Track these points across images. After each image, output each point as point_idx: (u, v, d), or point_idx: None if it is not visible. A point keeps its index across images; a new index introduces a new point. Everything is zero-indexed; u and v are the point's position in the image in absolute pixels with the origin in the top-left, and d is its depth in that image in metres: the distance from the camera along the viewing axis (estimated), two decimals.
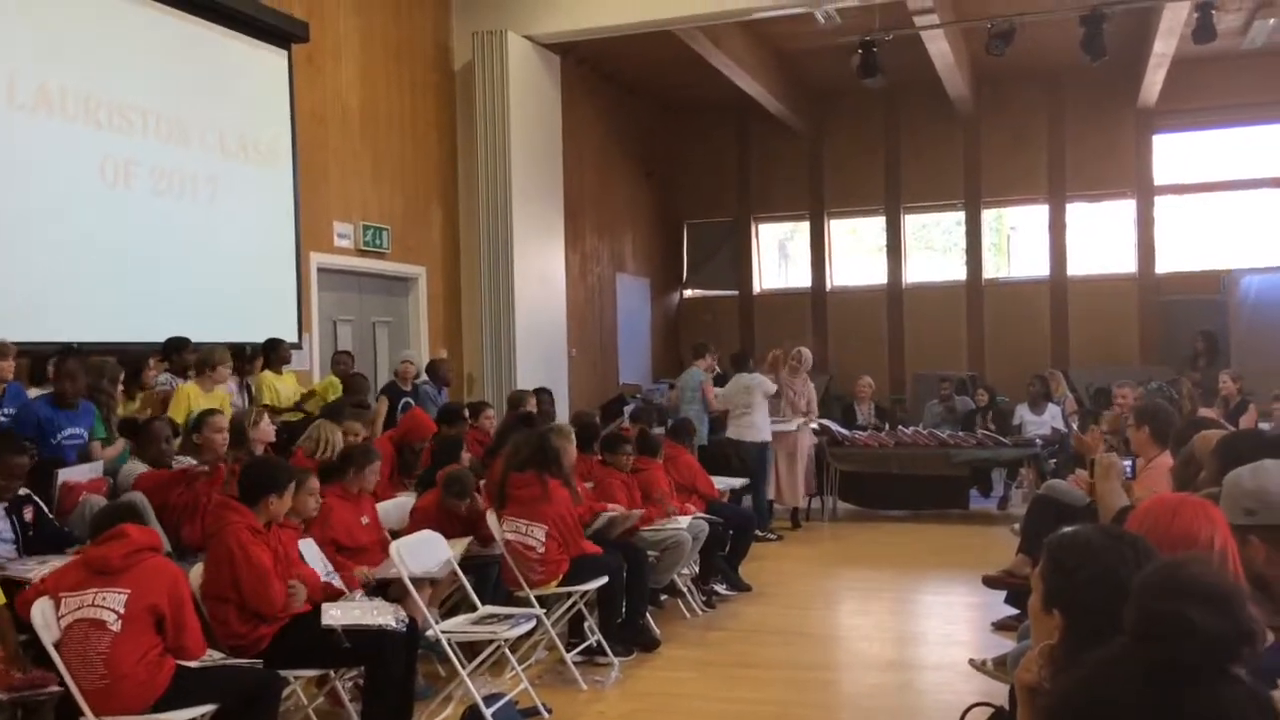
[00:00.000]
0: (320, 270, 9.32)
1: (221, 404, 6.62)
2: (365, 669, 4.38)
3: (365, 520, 5.40)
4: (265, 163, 8.64)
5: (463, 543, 5.53)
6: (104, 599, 3.70)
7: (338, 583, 4.81)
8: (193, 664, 3.86)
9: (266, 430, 6.05)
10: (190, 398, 6.54)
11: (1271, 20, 11.21)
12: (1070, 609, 1.86)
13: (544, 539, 5.56)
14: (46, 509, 4.91)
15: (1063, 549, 1.92)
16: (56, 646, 3.69)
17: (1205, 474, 3.28)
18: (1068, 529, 1.98)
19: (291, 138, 8.84)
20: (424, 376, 9.45)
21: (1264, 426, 7.30)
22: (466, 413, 8.12)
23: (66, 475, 5.18)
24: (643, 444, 7.21)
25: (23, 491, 4.79)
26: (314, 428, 6.16)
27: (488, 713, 4.61)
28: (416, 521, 5.71)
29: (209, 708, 3.75)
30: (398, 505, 6.07)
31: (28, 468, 4.83)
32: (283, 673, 4.26)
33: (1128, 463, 5.36)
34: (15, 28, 6.77)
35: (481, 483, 6.29)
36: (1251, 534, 2.45)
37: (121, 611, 3.69)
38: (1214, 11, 10.37)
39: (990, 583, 6.16)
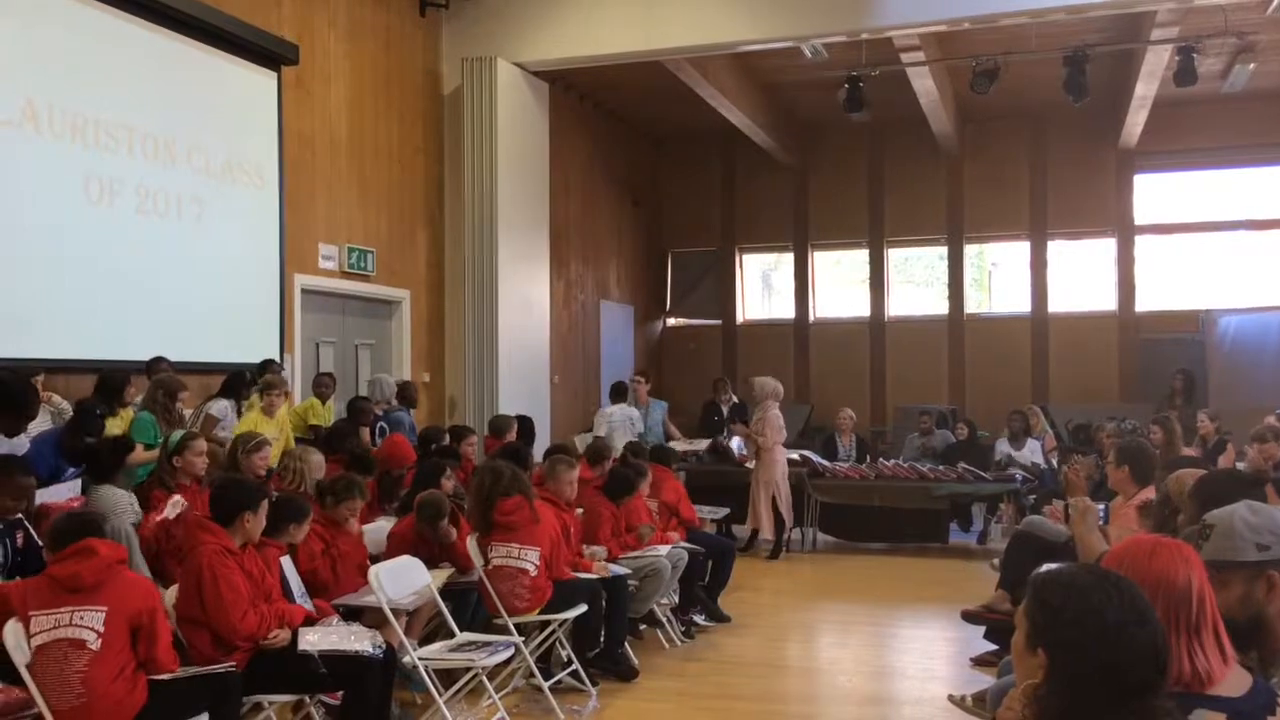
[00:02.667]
0: (304, 291, 9.30)
1: (280, 425, 7.20)
2: (342, 695, 4.33)
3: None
4: (252, 184, 8.62)
5: (444, 573, 5.50)
6: (82, 618, 3.66)
7: (309, 605, 4.77)
8: (165, 676, 3.82)
9: (258, 462, 5.93)
10: (256, 423, 6.96)
11: (1251, 65, 11.39)
12: (1054, 648, 1.86)
13: (538, 561, 5.52)
14: (36, 535, 4.84)
15: (1048, 587, 1.92)
16: (28, 668, 3.64)
17: (1184, 516, 3.29)
18: (1053, 567, 1.98)
19: (279, 159, 8.84)
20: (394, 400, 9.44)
21: (1239, 466, 7.35)
22: (446, 438, 8.10)
23: (45, 496, 5.08)
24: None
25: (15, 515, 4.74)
26: (285, 456, 6.12)
27: None
28: (393, 547, 5.67)
29: (197, 718, 3.73)
30: (377, 529, 6.03)
31: (34, 488, 4.79)
32: (257, 697, 4.23)
33: (1101, 506, 5.38)
34: (3, 43, 6.75)
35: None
36: (1272, 569, 2.44)
37: (101, 630, 3.66)
38: (1195, 55, 10.54)
39: (969, 618, 6.16)
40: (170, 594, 4.31)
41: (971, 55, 11.11)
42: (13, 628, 3.66)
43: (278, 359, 8.55)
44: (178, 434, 5.76)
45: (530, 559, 5.52)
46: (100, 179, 7.34)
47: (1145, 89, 11.75)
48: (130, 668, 3.72)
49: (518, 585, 5.51)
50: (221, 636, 4.17)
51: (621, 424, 10.16)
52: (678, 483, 7.93)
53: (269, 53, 8.71)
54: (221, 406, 7.24)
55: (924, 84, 11.67)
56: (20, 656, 3.64)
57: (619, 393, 10.76)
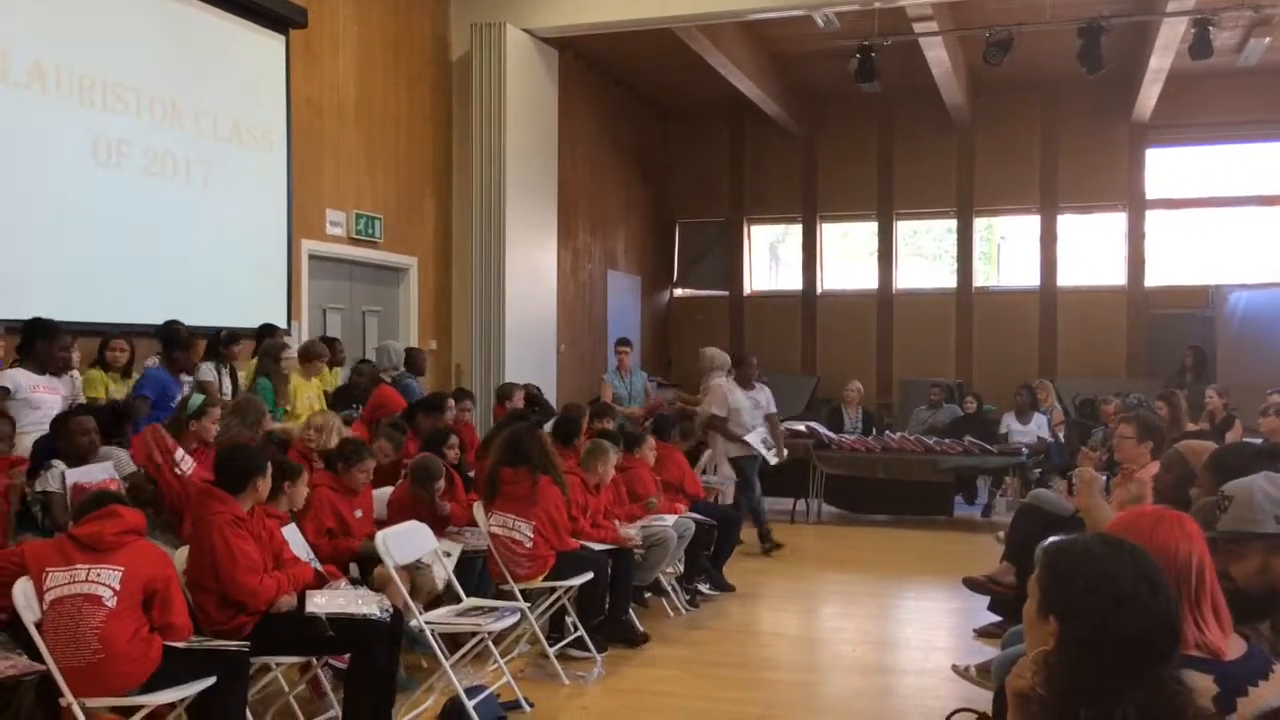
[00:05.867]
0: (311, 257, 9.28)
1: (318, 390, 7.51)
2: (349, 658, 4.35)
3: (359, 514, 5.38)
4: (259, 148, 8.59)
5: (458, 543, 5.53)
6: (98, 575, 3.67)
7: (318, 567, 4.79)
8: (179, 645, 3.84)
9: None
10: (295, 386, 7.28)
11: (1267, 39, 11.28)
12: (1066, 616, 1.86)
13: (531, 534, 5.55)
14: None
15: (1061, 556, 1.91)
16: (38, 626, 3.65)
17: (1199, 489, 3.27)
18: (1066, 536, 1.98)
19: (286, 124, 8.79)
20: (401, 368, 9.44)
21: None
22: (452, 402, 8.09)
23: (77, 477, 5.00)
24: (627, 440, 7.19)
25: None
26: (312, 416, 6.20)
27: (469, 705, 4.60)
28: (394, 513, 5.70)
29: (205, 682, 3.74)
30: (379, 496, 6.04)
31: (12, 433, 4.82)
32: (265, 659, 4.25)
33: (1103, 478, 5.38)
34: (11, 4, 6.70)
35: (470, 474, 6.28)
36: None
37: (117, 588, 3.67)
38: (1211, 28, 10.43)
39: (971, 584, 6.17)
40: (180, 559, 4.31)
41: (985, 25, 10.99)
42: (22, 585, 3.66)
43: (285, 324, 8.56)
44: (198, 398, 5.76)
45: (523, 531, 5.55)
46: (108, 141, 7.31)
47: (1160, 62, 11.64)
48: (145, 629, 3.74)
49: (516, 553, 5.54)
50: (242, 604, 4.18)
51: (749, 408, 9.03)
52: (682, 458, 7.90)
53: (277, 15, 8.65)
54: (207, 368, 7.22)
55: (936, 54, 11.56)
56: (29, 615, 3.65)
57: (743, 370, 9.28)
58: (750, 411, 8.97)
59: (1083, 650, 1.83)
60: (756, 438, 8.97)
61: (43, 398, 5.79)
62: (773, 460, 9.08)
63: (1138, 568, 1.85)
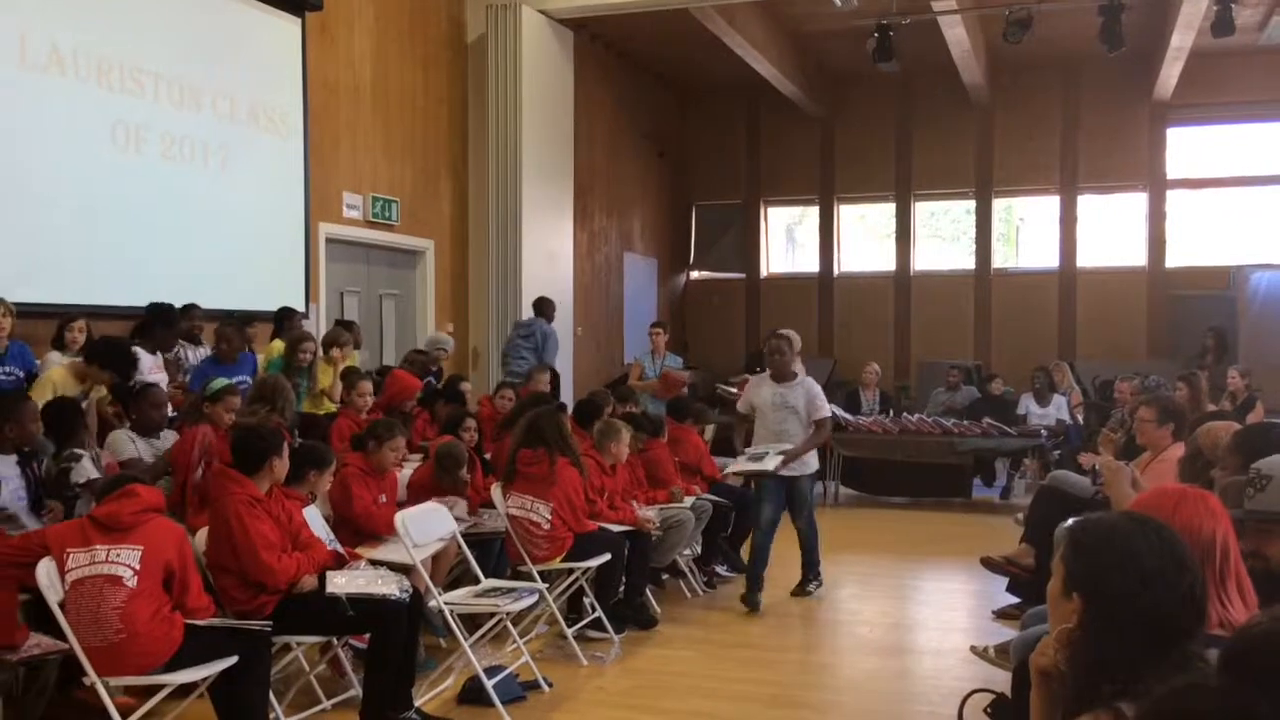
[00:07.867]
0: (329, 240, 9.30)
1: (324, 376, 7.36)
2: (369, 638, 4.37)
3: (383, 498, 5.40)
4: (276, 131, 8.60)
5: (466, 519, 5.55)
6: (118, 555, 3.69)
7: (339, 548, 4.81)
8: (200, 623, 3.86)
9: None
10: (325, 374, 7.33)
11: None
12: (1091, 593, 1.85)
13: (549, 516, 5.56)
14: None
15: (1086, 533, 1.90)
16: (61, 606, 3.68)
17: (1223, 469, 3.24)
18: (1091, 515, 1.97)
19: (303, 107, 8.80)
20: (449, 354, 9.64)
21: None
22: (469, 386, 8.13)
23: (107, 458, 5.10)
24: (638, 424, 7.17)
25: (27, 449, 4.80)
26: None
27: (489, 684, 4.62)
28: (414, 495, 5.72)
29: (227, 661, 3.76)
30: (400, 478, 6.06)
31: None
32: (286, 638, 4.27)
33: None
34: None
35: (487, 457, 6.29)
36: None
37: (137, 568, 3.69)
38: (1233, 5, 10.29)
39: (989, 565, 6.15)
40: (199, 540, 4.34)
41: (1004, 4, 10.89)
42: (46, 566, 3.69)
43: (304, 308, 8.58)
44: (220, 382, 5.77)
45: (541, 513, 5.56)
46: (126, 125, 7.33)
47: (1181, 40, 11.51)
48: (167, 608, 3.76)
49: (534, 535, 5.56)
50: (261, 584, 4.19)
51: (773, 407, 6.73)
52: (700, 440, 7.87)
53: None
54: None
55: (955, 33, 11.46)
56: (53, 595, 3.68)
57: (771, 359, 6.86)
58: (774, 412, 6.66)
59: (1107, 628, 1.82)
60: (747, 460, 6.63)
61: (156, 377, 6.34)
62: (769, 466, 6.47)
63: (1163, 545, 1.84)
